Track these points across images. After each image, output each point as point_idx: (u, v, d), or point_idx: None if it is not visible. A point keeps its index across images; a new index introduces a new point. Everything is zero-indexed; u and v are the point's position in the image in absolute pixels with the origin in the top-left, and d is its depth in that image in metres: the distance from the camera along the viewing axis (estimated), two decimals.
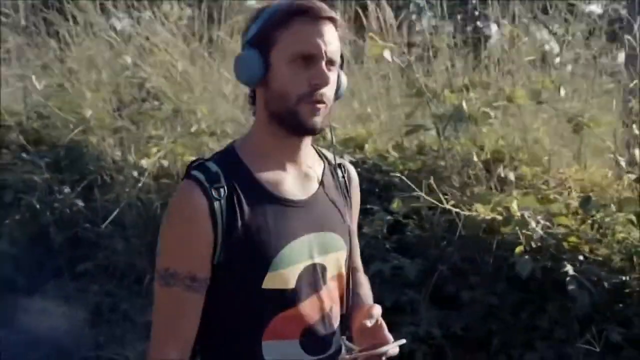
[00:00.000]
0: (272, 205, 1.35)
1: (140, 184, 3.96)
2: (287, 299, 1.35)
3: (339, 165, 1.51)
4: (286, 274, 1.34)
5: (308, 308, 1.37)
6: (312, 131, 1.35)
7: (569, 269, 2.68)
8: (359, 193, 1.57)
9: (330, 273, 1.42)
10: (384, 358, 1.36)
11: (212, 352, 1.37)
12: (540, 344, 2.88)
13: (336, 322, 1.44)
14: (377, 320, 1.37)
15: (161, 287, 1.32)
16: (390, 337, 1.37)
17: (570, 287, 2.65)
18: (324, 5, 1.35)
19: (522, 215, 2.54)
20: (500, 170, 3.08)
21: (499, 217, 2.61)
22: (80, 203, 4.58)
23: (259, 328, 1.35)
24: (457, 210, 2.82)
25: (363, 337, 1.39)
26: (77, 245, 4.51)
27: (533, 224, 2.55)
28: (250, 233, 1.32)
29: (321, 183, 1.43)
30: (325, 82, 1.31)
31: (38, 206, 4.56)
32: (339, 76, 1.40)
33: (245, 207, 1.32)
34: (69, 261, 4.46)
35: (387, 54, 3.02)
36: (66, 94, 4.95)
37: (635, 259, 2.70)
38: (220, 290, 1.34)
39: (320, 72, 1.31)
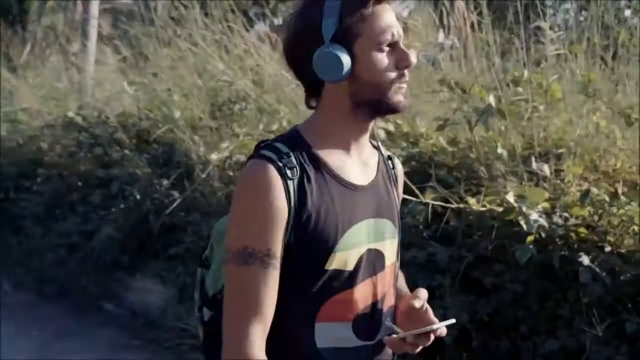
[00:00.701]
0: (338, 188, 1.37)
1: (213, 175, 4.44)
2: (345, 281, 1.37)
3: (389, 157, 1.54)
4: (347, 256, 1.36)
5: (362, 292, 1.39)
6: (402, 110, 1.39)
7: (584, 259, 2.84)
8: (402, 187, 1.60)
9: (388, 260, 1.44)
10: (432, 338, 1.38)
11: (271, 332, 1.35)
12: (562, 332, 3.05)
13: (387, 309, 1.45)
14: (423, 304, 1.39)
15: (239, 267, 1.31)
16: (435, 319, 1.39)
17: (583, 277, 2.81)
18: None
19: (520, 207, 2.73)
20: (536, 164, 3.25)
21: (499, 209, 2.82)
22: (176, 194, 5.13)
23: (314, 309, 1.36)
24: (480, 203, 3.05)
25: (409, 321, 1.41)
26: (171, 230, 5.07)
27: (535, 215, 2.73)
28: (318, 214, 1.33)
29: (378, 171, 1.46)
30: (411, 62, 1.35)
31: (139, 197, 5.17)
32: None
33: (314, 188, 1.34)
34: (163, 245, 5.03)
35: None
36: (167, 97, 5.53)
37: None
38: (286, 271, 1.34)
39: (405, 54, 1.35)
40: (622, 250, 2.96)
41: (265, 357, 1.30)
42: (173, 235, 4.98)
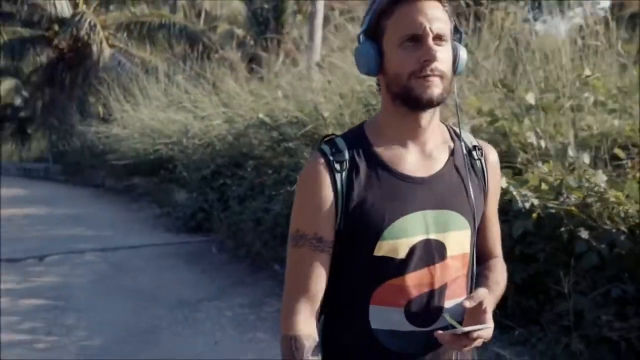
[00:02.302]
0: (389, 179, 1.43)
1: None
2: (396, 268, 1.42)
3: (475, 147, 1.53)
4: (397, 244, 1.42)
5: (416, 280, 1.43)
6: (429, 103, 1.40)
7: (584, 234, 3.43)
8: (499, 176, 1.59)
9: (451, 252, 1.46)
10: (478, 340, 1.38)
11: (330, 311, 1.49)
12: (574, 295, 3.65)
13: (450, 299, 1.47)
14: (480, 303, 1.39)
15: (292, 248, 1.45)
16: (485, 320, 1.38)
17: (579, 249, 3.41)
18: None
19: (508, 189, 3.40)
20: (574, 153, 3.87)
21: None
22: None
23: (368, 292, 1.44)
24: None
25: (469, 318, 1.42)
26: None
27: (517, 198, 3.40)
28: (365, 203, 1.41)
29: (447, 163, 1.48)
30: (432, 57, 1.37)
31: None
32: (456, 50, 1.45)
33: (363, 179, 1.42)
34: None
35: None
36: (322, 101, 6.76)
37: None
38: (340, 255, 1.45)
39: (427, 48, 1.37)
40: (617, 228, 3.49)
41: (311, 332, 1.42)
42: None
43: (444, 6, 1.41)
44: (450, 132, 1.54)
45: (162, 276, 6.61)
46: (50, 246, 8.00)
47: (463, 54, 1.46)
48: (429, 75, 1.38)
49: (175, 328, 5.00)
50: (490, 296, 1.43)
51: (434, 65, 1.37)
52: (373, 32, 1.43)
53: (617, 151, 4.02)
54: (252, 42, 19.20)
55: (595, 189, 3.45)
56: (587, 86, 4.07)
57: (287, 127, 6.92)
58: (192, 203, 9.07)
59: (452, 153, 1.50)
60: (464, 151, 1.50)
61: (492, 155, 1.56)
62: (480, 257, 1.59)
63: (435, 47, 1.38)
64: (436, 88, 1.39)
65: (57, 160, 17.68)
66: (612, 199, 3.41)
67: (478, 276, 1.54)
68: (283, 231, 6.65)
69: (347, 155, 1.43)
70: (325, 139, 1.48)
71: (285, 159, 6.80)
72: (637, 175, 3.82)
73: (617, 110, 4.36)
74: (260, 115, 7.71)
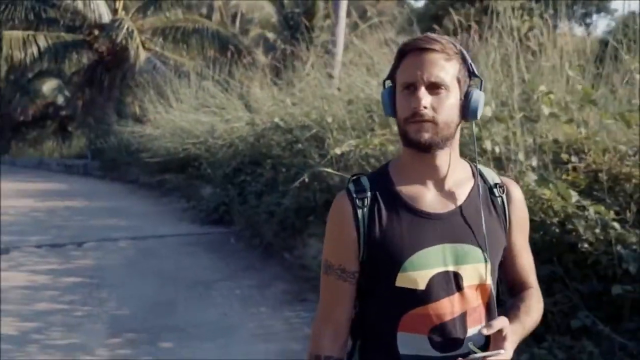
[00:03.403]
0: (408, 216, 1.54)
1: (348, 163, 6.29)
2: (418, 298, 1.52)
3: (497, 185, 1.62)
4: (416, 276, 1.51)
5: (438, 309, 1.52)
6: (419, 145, 1.50)
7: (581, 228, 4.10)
8: (525, 211, 1.66)
9: (468, 282, 1.54)
10: None
11: (364, 336, 1.60)
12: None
13: (472, 327, 1.54)
14: (500, 331, 1.46)
15: (323, 275, 1.61)
16: (503, 347, 1.45)
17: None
18: (430, 38, 1.52)
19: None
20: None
21: None
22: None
23: (395, 320, 1.54)
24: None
25: (491, 345, 1.49)
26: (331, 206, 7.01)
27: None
28: (386, 237, 1.53)
29: (466, 199, 1.57)
30: (419, 104, 1.48)
31: (307, 179, 7.23)
32: (469, 95, 1.53)
33: (384, 215, 1.54)
34: (322, 214, 7.01)
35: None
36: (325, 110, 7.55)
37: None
38: (366, 284, 1.57)
39: (416, 97, 1.49)
40: (550, 221, 4.20)
41: (333, 352, 1.57)
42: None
43: (447, 55, 1.51)
44: (472, 170, 1.63)
45: (183, 261, 7.47)
46: (87, 234, 8.93)
47: (476, 98, 1.54)
48: (418, 121, 1.50)
49: (191, 302, 5.84)
50: (515, 325, 1.52)
51: (423, 111, 1.49)
52: (390, 79, 1.60)
53: (563, 156, 4.72)
54: (282, 46, 19.97)
55: (526, 187, 4.16)
56: (545, 98, 4.77)
57: (298, 130, 7.71)
58: (215, 198, 9.94)
59: (472, 190, 1.59)
60: (480, 190, 1.59)
61: (515, 192, 1.65)
62: (514, 288, 1.69)
63: (427, 96, 1.49)
64: (426, 133, 1.50)
65: (95, 157, 18.70)
66: (543, 196, 4.12)
67: (511, 307, 1.61)
68: (292, 223, 7.46)
69: (369, 193, 1.56)
70: (353, 178, 1.62)
71: (296, 159, 7.60)
72: (581, 176, 4.52)
73: (573, 120, 5.05)
74: (276, 119, 8.53)
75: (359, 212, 1.54)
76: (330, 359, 1.57)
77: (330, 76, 8.46)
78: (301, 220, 7.37)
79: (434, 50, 1.50)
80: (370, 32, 10.45)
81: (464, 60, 1.54)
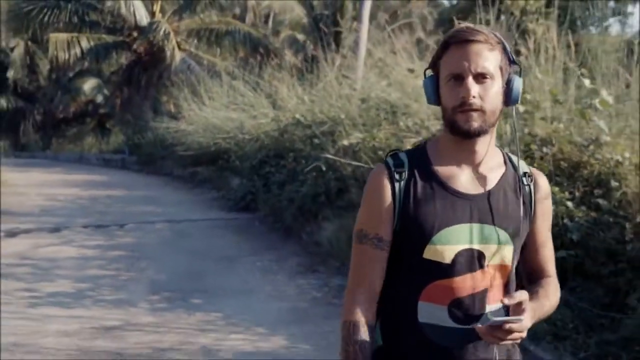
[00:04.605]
0: (442, 193, 1.65)
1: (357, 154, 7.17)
2: (442, 270, 1.63)
3: (526, 174, 1.70)
4: (443, 249, 1.62)
5: (460, 283, 1.63)
6: (469, 134, 1.60)
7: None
8: (549, 202, 1.75)
9: (490, 261, 1.64)
10: (513, 335, 1.53)
11: (387, 304, 1.69)
12: None
13: (490, 304, 1.64)
14: (520, 302, 1.56)
15: (356, 244, 1.69)
16: (519, 316, 1.54)
17: None
18: (473, 30, 1.62)
19: None
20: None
21: None
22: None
23: (417, 289, 1.65)
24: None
25: (512, 314, 1.59)
26: (342, 191, 7.89)
27: None
28: (419, 211, 1.64)
29: (497, 184, 1.67)
30: (469, 94, 1.58)
31: (324, 168, 8.11)
32: (511, 82, 1.64)
33: (419, 191, 1.65)
34: (336, 199, 7.88)
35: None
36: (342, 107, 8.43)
37: None
38: (396, 254, 1.67)
39: (465, 87, 1.58)
40: None
41: (367, 318, 1.64)
42: (343, 194, 7.80)
43: (490, 45, 1.60)
44: (504, 158, 1.72)
45: (212, 241, 8.44)
46: (128, 218, 9.97)
47: (517, 84, 1.64)
48: (467, 110, 1.58)
49: (218, 272, 6.79)
50: (534, 303, 1.61)
51: (472, 100, 1.57)
52: (433, 69, 1.67)
53: (533, 146, 5.53)
54: (311, 47, 20.79)
55: None
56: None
57: (315, 126, 8.62)
58: (242, 187, 10.90)
59: (502, 176, 1.68)
60: (519, 176, 1.68)
61: (542, 183, 1.73)
62: (533, 275, 1.78)
63: (474, 85, 1.58)
64: (474, 122, 1.59)
65: (132, 152, 19.78)
66: None
67: (529, 292, 1.64)
68: (309, 208, 8.37)
69: (407, 168, 1.66)
70: (391, 153, 1.71)
71: (314, 151, 8.50)
72: (545, 164, 5.34)
73: (545, 118, 5.86)
74: (297, 115, 9.45)
75: (396, 185, 1.65)
76: (365, 324, 1.63)
77: (345, 77, 9.33)
78: (317, 205, 8.27)
79: (478, 41, 1.60)
80: (400, 32, 11.25)
81: (504, 49, 1.64)
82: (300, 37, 22.86)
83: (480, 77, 1.59)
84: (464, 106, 1.59)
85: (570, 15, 9.64)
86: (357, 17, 21.43)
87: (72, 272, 6.72)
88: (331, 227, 7.75)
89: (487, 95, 1.59)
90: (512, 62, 1.65)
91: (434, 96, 1.66)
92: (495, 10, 7.44)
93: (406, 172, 1.65)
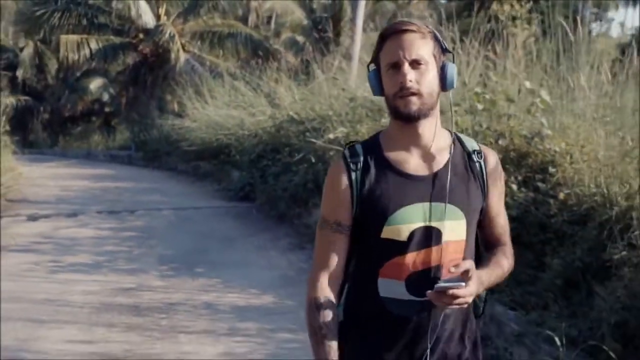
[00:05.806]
0: (394, 177, 1.78)
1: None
2: (399, 248, 1.76)
3: (475, 151, 1.83)
4: (399, 229, 1.75)
5: (415, 259, 1.75)
6: (410, 117, 1.73)
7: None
8: (501, 176, 1.87)
9: (447, 237, 1.76)
10: (457, 299, 1.65)
11: (351, 283, 1.85)
12: None
13: (445, 277, 1.75)
14: (466, 271, 1.67)
15: (319, 230, 1.84)
16: (460, 283, 1.65)
17: None
18: (406, 22, 1.76)
19: None
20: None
21: None
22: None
23: (377, 267, 1.78)
24: None
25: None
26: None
27: None
28: (374, 195, 1.77)
29: (446, 163, 1.78)
30: (405, 80, 1.70)
31: (314, 160, 9.03)
32: (444, 68, 1.76)
33: (374, 177, 1.78)
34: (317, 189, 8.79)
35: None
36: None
37: None
38: (357, 237, 1.82)
39: (402, 73, 1.71)
40: None
41: (328, 295, 1.78)
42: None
43: (422, 34, 1.73)
44: (453, 138, 1.83)
45: (214, 225, 9.39)
46: (137, 205, 10.92)
47: (450, 70, 1.76)
48: (406, 95, 1.71)
49: (219, 249, 7.73)
50: (482, 271, 1.74)
51: (409, 84, 1.70)
52: (376, 63, 1.79)
53: (488, 139, 6.46)
54: (310, 49, 21.63)
55: None
56: (475, 97, 6.53)
57: (307, 122, 9.57)
58: (242, 179, 11.84)
59: (451, 156, 1.80)
60: (467, 154, 1.81)
61: (491, 159, 1.85)
62: (489, 244, 1.90)
63: (411, 71, 1.71)
64: (413, 105, 1.72)
65: (138, 148, 20.70)
66: None
67: (484, 259, 1.81)
68: (301, 196, 9.31)
69: (362, 158, 1.79)
70: (348, 145, 1.84)
71: (305, 145, 9.43)
72: (499, 155, 6.26)
73: (501, 115, 6.79)
74: (290, 113, 10.39)
75: (353, 174, 1.78)
76: (327, 300, 1.77)
77: (335, 78, 10.27)
78: (307, 192, 9.21)
79: (411, 31, 1.73)
80: None
81: (436, 38, 1.77)
82: (300, 38, 23.61)
83: (415, 64, 1.72)
84: (403, 91, 1.71)
85: (552, 20, 10.45)
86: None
87: (90, 248, 7.69)
88: (319, 211, 8.67)
89: (424, 80, 1.72)
90: (445, 50, 1.78)
91: (378, 87, 1.79)
92: (483, 15, 8.33)
93: (361, 162, 1.79)
